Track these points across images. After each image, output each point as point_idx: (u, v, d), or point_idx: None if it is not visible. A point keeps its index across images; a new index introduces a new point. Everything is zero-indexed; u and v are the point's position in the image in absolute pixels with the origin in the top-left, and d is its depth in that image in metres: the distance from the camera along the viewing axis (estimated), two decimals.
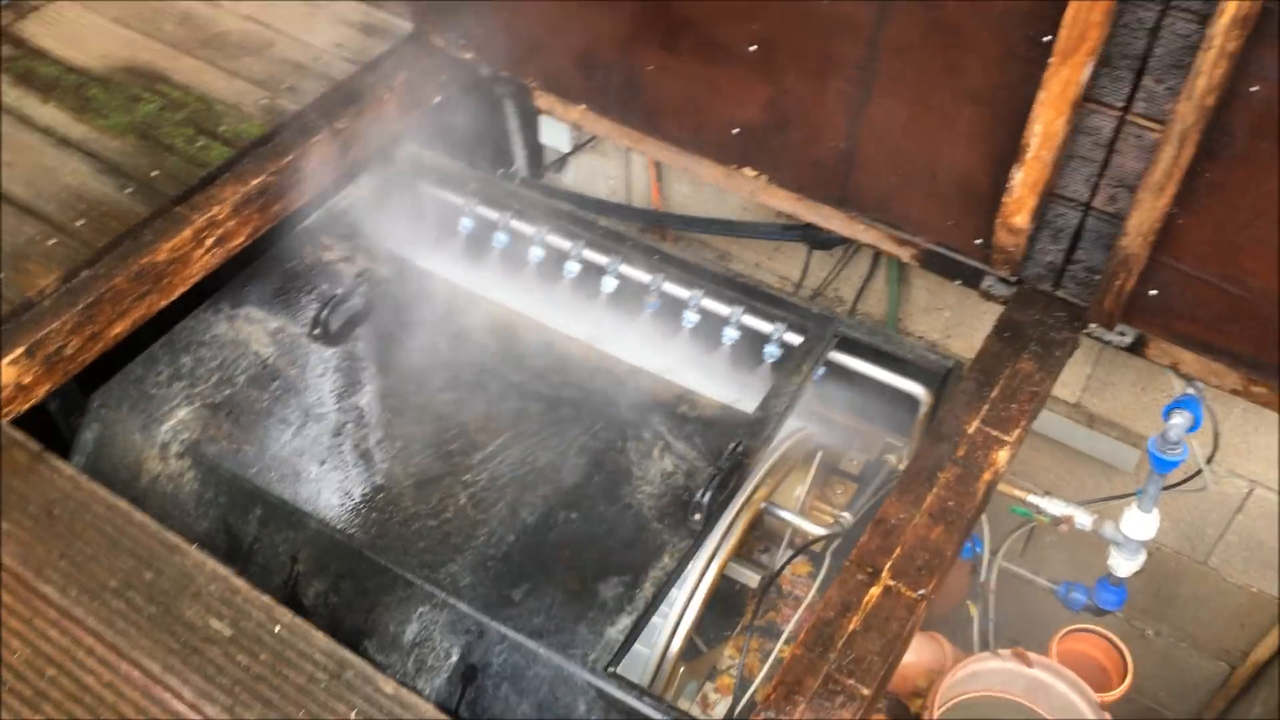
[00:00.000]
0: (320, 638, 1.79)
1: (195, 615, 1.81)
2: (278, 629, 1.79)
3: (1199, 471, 2.55)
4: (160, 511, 2.16)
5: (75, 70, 2.88)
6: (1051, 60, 1.98)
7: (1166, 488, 2.59)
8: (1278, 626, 2.93)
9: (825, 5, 2.24)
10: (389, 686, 1.73)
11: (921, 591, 1.89)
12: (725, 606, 2.61)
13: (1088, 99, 2.04)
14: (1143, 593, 3.19)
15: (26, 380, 2.28)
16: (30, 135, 2.69)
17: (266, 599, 1.84)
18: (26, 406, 2.29)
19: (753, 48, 2.40)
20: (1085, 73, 1.97)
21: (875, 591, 1.89)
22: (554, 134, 3.34)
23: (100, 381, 2.43)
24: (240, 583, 1.86)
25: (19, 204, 2.52)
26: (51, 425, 2.40)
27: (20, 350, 2.25)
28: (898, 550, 1.94)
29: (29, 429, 2.16)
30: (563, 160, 3.47)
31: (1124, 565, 2.57)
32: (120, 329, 2.44)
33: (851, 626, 1.85)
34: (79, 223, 2.47)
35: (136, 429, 2.32)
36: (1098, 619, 2.71)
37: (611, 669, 1.94)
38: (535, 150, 3.44)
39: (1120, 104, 2.03)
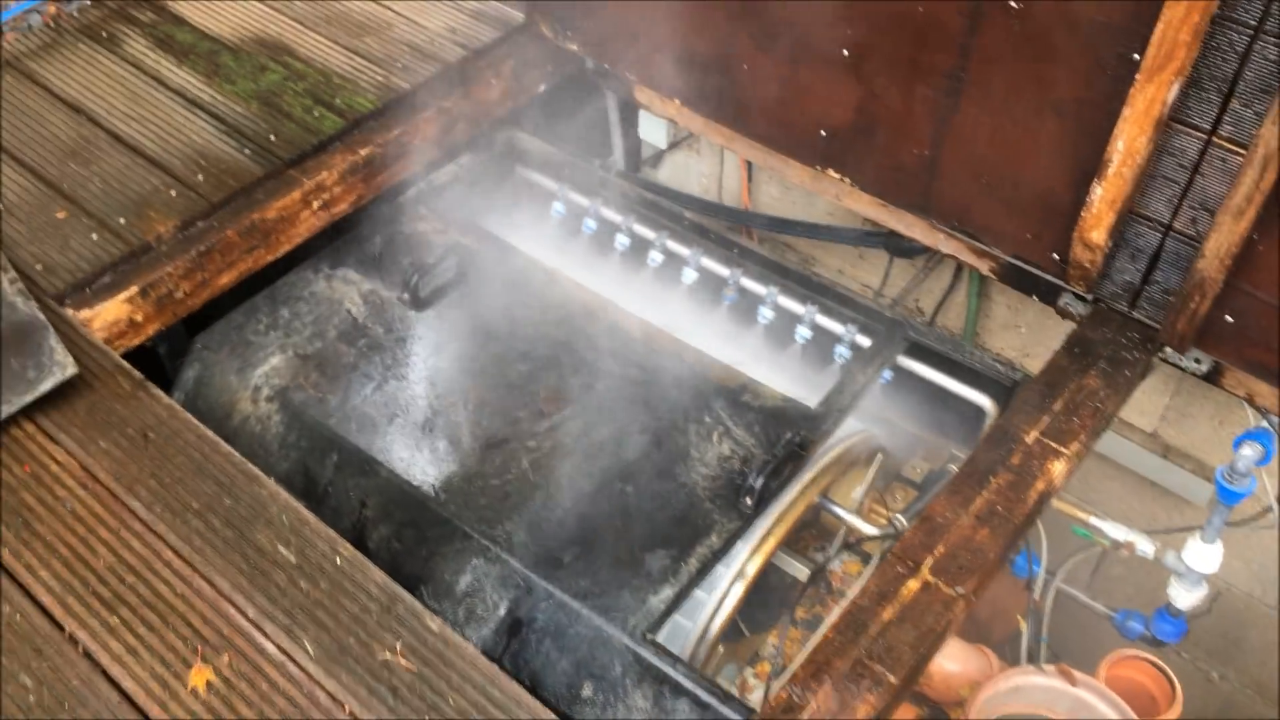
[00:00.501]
0: (376, 573, 1.90)
1: (266, 541, 1.93)
2: (339, 560, 1.91)
3: (1270, 509, 2.49)
4: (246, 450, 2.30)
5: (209, 38, 3.08)
6: (1138, 77, 1.98)
7: (1236, 523, 2.55)
8: None
9: (919, 13, 2.28)
10: (435, 624, 1.83)
11: (960, 589, 1.91)
12: (776, 598, 2.65)
13: (1174, 119, 2.04)
14: (1210, 634, 3.12)
15: (138, 318, 2.46)
16: (163, 95, 2.89)
17: (331, 532, 1.95)
18: (135, 342, 2.47)
19: (845, 52, 2.45)
20: (1172, 92, 1.97)
21: (914, 585, 1.92)
22: (652, 129, 3.43)
23: (201, 329, 2.60)
24: (309, 515, 1.98)
25: (148, 156, 2.71)
26: (159, 365, 2.57)
27: (134, 289, 2.43)
28: (940, 548, 1.97)
29: (136, 364, 2.33)
30: (659, 156, 3.56)
31: (1184, 597, 2.53)
32: (227, 279, 2.60)
33: (886, 616, 1.88)
34: (199, 177, 2.65)
35: (233, 371, 2.48)
36: (1154, 650, 2.66)
37: (650, 636, 2.01)
38: (634, 145, 3.53)
39: (1207, 126, 2.02)
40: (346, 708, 1.72)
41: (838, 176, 2.65)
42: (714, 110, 2.83)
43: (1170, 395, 2.80)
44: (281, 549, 1.92)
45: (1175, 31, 1.91)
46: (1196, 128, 2.04)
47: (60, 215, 2.55)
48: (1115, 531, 2.52)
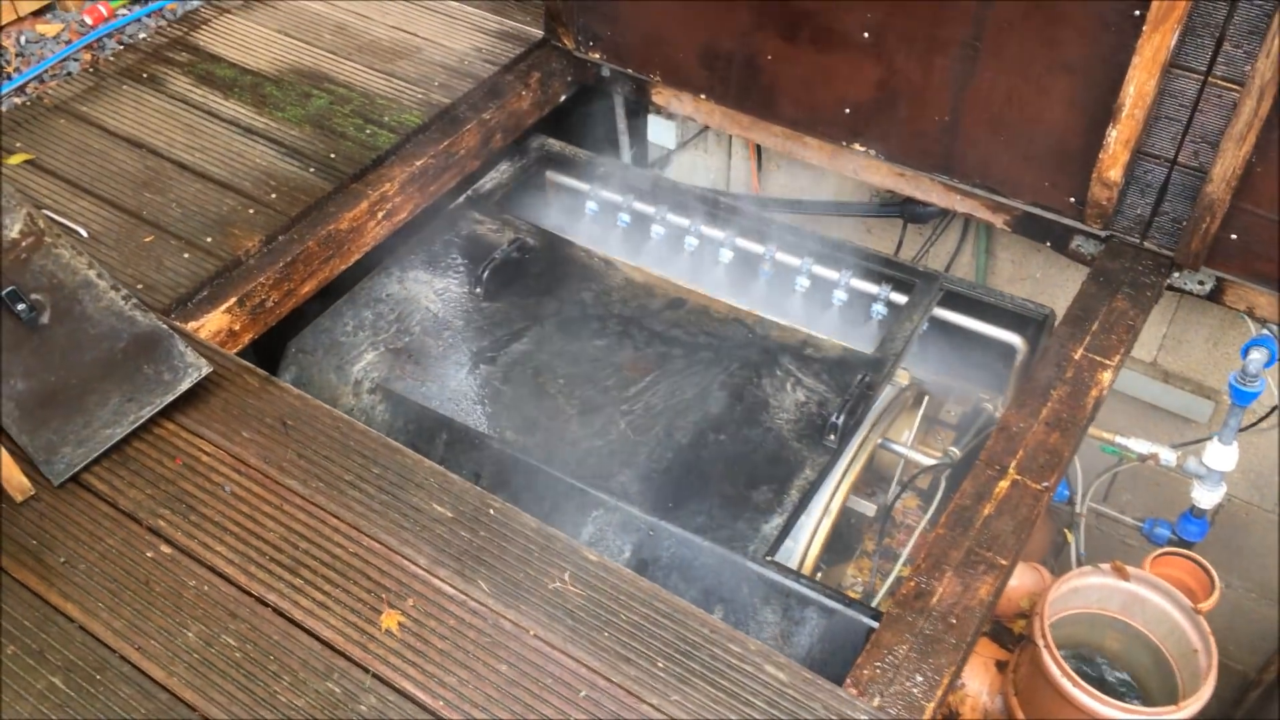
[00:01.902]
0: (529, 518, 2.08)
1: (420, 501, 2.10)
2: (492, 511, 2.09)
3: (1275, 409, 2.81)
4: None
5: (249, 72, 3.24)
6: (1145, 29, 2.29)
7: (1245, 428, 2.86)
8: None
9: None
10: (593, 555, 2.02)
11: (1045, 484, 2.16)
12: (840, 539, 2.88)
13: (1174, 65, 2.35)
14: (1213, 544, 3.42)
15: (236, 327, 2.61)
16: (217, 125, 3.05)
17: (478, 488, 2.13)
18: (235, 350, 2.61)
19: (866, 34, 2.73)
20: (1173, 40, 2.28)
21: (1004, 484, 2.17)
22: (661, 131, 3.68)
23: (279, 338, 2.75)
24: (454, 476, 2.16)
25: (218, 181, 2.86)
26: None
27: (233, 300, 2.59)
28: (1020, 452, 2.22)
29: None
30: (667, 157, 3.81)
31: (1207, 497, 2.82)
32: (309, 287, 2.77)
33: (986, 511, 2.12)
34: (272, 196, 2.81)
35: (331, 369, 2.64)
36: None
37: (770, 558, 2.22)
38: (641, 147, 3.78)
39: (1203, 68, 2.33)
40: (531, 631, 1.89)
41: (862, 149, 2.92)
42: (736, 101, 3.09)
43: (1166, 325, 3.12)
44: (436, 506, 2.09)
45: None
46: (1194, 70, 2.35)
47: (148, 240, 2.68)
48: (1140, 446, 2.82)
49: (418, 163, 2.97)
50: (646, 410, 2.54)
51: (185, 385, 2.26)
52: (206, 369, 2.28)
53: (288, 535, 2.05)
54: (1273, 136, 2.31)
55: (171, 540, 2.05)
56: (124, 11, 3.94)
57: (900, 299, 2.88)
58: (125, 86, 3.18)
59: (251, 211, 2.77)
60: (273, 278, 2.66)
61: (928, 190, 2.93)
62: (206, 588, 1.98)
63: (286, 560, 2.01)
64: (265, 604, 1.95)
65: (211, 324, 2.55)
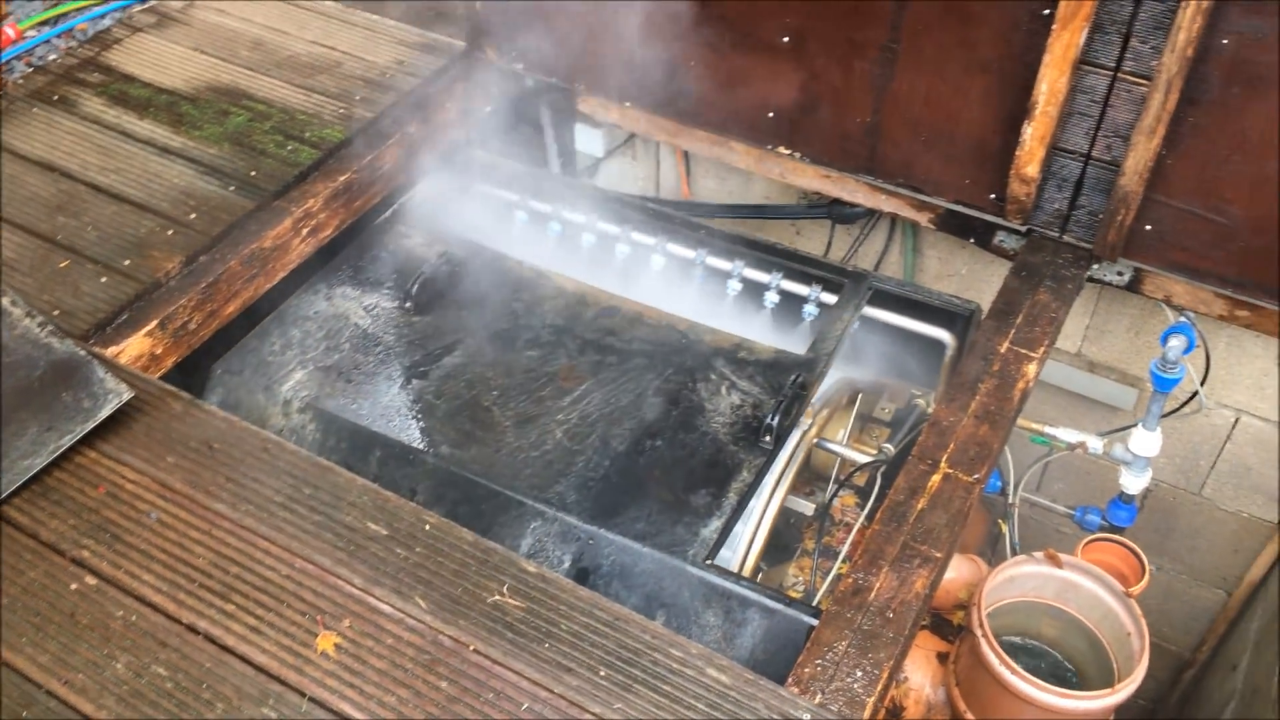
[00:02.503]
0: (466, 533, 2.06)
1: (354, 520, 2.07)
2: (427, 527, 2.06)
3: (1195, 395, 2.88)
4: None
5: (165, 91, 3.18)
6: (1054, 28, 2.34)
7: (1168, 413, 2.93)
8: (1276, 538, 3.24)
9: None
10: (531, 566, 2.00)
11: (976, 476, 2.19)
12: (780, 538, 2.89)
13: (1084, 62, 2.41)
14: (1143, 529, 3.50)
15: (158, 351, 2.55)
16: (133, 146, 2.98)
17: (413, 505, 2.11)
18: (158, 374, 2.55)
19: (786, 39, 2.76)
20: (1082, 37, 2.34)
21: (936, 478, 2.20)
22: (589, 140, 3.68)
23: (204, 361, 2.70)
24: (388, 494, 2.13)
25: (134, 202, 2.80)
26: None
27: (154, 323, 2.53)
28: (951, 445, 2.26)
29: None
30: (596, 165, 3.81)
31: (1134, 482, 2.89)
32: (233, 308, 2.71)
33: (920, 506, 2.15)
34: (192, 215, 2.76)
35: (259, 390, 2.59)
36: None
37: (710, 561, 2.22)
38: (569, 156, 3.77)
39: (1112, 64, 2.40)
40: (471, 647, 1.87)
41: (787, 152, 2.95)
42: (661, 107, 3.10)
43: (1089, 316, 3.19)
44: (371, 524, 2.06)
45: None
46: (1104, 67, 2.41)
47: (63, 265, 2.62)
48: (1068, 435, 2.88)
49: (342, 178, 2.93)
50: (582, 419, 2.53)
51: (106, 412, 2.20)
52: (128, 394, 2.23)
53: (217, 560, 2.00)
54: (1181, 129, 2.38)
55: (96, 571, 1.99)
56: (32, 33, 3.84)
57: (831, 299, 2.91)
58: (36, 109, 3.10)
59: (171, 232, 2.71)
60: (195, 299, 2.60)
61: (853, 191, 2.96)
62: (134, 617, 1.92)
63: (217, 586, 1.96)
64: (196, 631, 1.90)
65: (132, 348, 2.49)
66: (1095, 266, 2.70)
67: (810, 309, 2.93)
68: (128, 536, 2.04)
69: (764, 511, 2.54)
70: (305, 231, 2.86)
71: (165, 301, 2.57)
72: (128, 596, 1.95)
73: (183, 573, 1.98)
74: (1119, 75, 2.40)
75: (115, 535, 2.04)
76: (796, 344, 2.84)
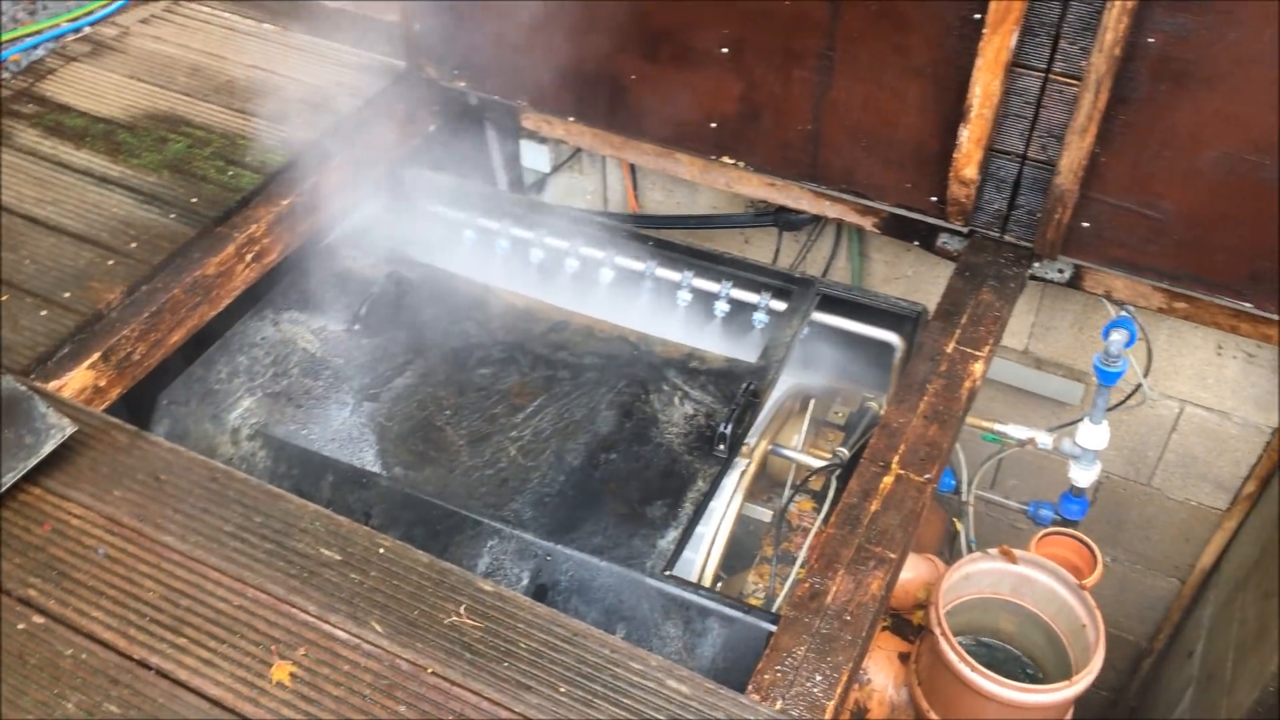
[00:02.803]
0: (420, 554, 2.04)
1: (306, 546, 2.05)
2: (382, 550, 2.05)
3: (1139, 387, 2.94)
4: None
5: (101, 120, 3.14)
6: (985, 32, 2.38)
7: (1114, 406, 2.98)
8: (1225, 525, 3.30)
9: (786, 6, 2.63)
10: (488, 585, 1.99)
11: (927, 476, 2.22)
12: (740, 547, 2.90)
13: (1016, 64, 2.45)
14: (1096, 521, 3.56)
15: (102, 383, 2.52)
16: (71, 176, 2.94)
17: (366, 528, 2.09)
18: (102, 407, 2.51)
19: (724, 49, 2.78)
20: (1013, 40, 2.38)
21: (889, 480, 2.21)
22: (535, 156, 3.68)
23: (150, 392, 2.66)
24: (341, 519, 2.11)
25: (73, 233, 2.76)
26: None
27: (96, 355, 2.49)
28: (902, 447, 2.28)
29: None
30: (542, 180, 3.81)
31: (1083, 476, 2.93)
32: (178, 337, 2.68)
33: (873, 508, 2.16)
34: (132, 245, 2.72)
35: (206, 419, 2.56)
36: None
37: (668, 573, 2.22)
38: (516, 173, 3.77)
39: (1043, 66, 2.44)
40: (429, 669, 1.86)
41: (731, 162, 2.96)
42: (605, 122, 3.11)
43: (1034, 313, 3.24)
44: (324, 550, 2.04)
45: None
46: (1035, 68, 2.45)
47: (1, 299, 2.57)
48: (1018, 432, 2.91)
49: (285, 202, 2.91)
50: (536, 435, 2.52)
51: (49, 447, 2.16)
52: (71, 429, 2.19)
53: (168, 594, 1.97)
54: (1113, 127, 2.42)
55: (44, 609, 1.96)
56: None
57: (780, 306, 2.93)
58: None
59: (111, 262, 2.67)
60: (138, 329, 2.57)
61: (798, 198, 2.99)
62: (85, 655, 1.89)
63: (167, 620, 1.93)
64: (148, 667, 1.87)
65: (75, 382, 2.45)
66: (1036, 265, 2.74)
67: (760, 317, 2.95)
68: (75, 573, 2.01)
69: (722, 520, 2.54)
70: (249, 257, 2.83)
71: (107, 333, 2.54)
72: (77, 634, 1.92)
73: (133, 608, 1.95)
74: (1050, 76, 2.44)
75: (62, 573, 2.01)
76: (748, 352, 2.86)
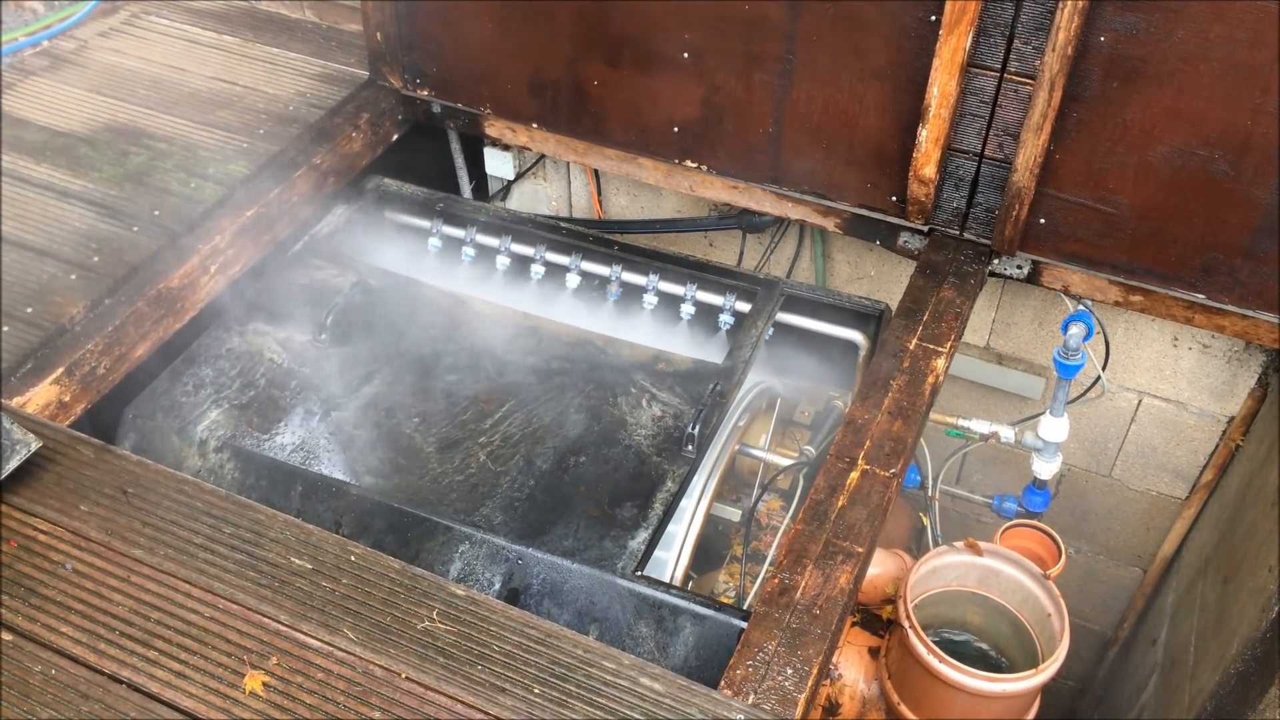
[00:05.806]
0: (392, 561, 2.04)
1: (277, 556, 2.05)
2: (353, 558, 2.05)
3: (1098, 379, 2.99)
4: None
5: (61, 134, 3.12)
6: (941, 33, 2.42)
7: (1074, 399, 3.03)
8: (1184, 513, 3.36)
9: (745, 10, 2.66)
10: (460, 590, 2.00)
11: (892, 470, 2.25)
12: (710, 546, 2.92)
13: (972, 64, 2.49)
14: (1060, 513, 3.61)
15: (66, 398, 2.50)
16: (30, 191, 2.92)
17: (337, 536, 2.09)
18: (67, 422, 2.50)
19: (685, 54, 2.80)
20: (969, 41, 2.42)
21: (854, 475, 2.24)
22: (499, 163, 3.69)
23: (115, 406, 2.65)
24: (311, 527, 2.10)
25: (34, 249, 2.74)
26: None
27: (60, 370, 2.48)
28: (868, 442, 2.31)
29: None
30: (507, 188, 3.82)
31: (1045, 468, 2.98)
32: (142, 350, 2.67)
33: (840, 503, 2.19)
34: (95, 259, 2.71)
35: (173, 432, 2.55)
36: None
37: (638, 573, 2.24)
38: (480, 180, 3.78)
39: (998, 66, 2.48)
40: (403, 675, 1.86)
41: (694, 165, 2.99)
42: (568, 128, 3.13)
43: (995, 310, 3.29)
44: (295, 559, 2.04)
45: None
46: (990, 68, 2.49)
47: None
48: (981, 427, 2.96)
49: (249, 212, 2.90)
50: (505, 440, 2.54)
51: (13, 464, 2.15)
52: (35, 444, 2.17)
53: (137, 607, 1.96)
54: (1067, 124, 2.47)
55: (12, 626, 1.94)
56: None
57: (746, 307, 2.96)
58: None
59: (74, 277, 2.66)
60: (102, 343, 2.55)
61: (760, 200, 3.02)
62: (55, 671, 1.88)
63: (138, 633, 1.92)
64: (119, 681, 1.86)
65: (39, 397, 2.43)
66: (995, 261, 2.79)
67: (726, 318, 2.98)
68: (43, 589, 1.99)
69: (691, 520, 2.56)
70: (214, 269, 2.82)
71: (71, 347, 2.52)
72: (46, 650, 1.90)
73: (102, 622, 1.94)
74: (1005, 76, 2.49)
75: (30, 589, 1.99)
76: (714, 353, 2.88)
